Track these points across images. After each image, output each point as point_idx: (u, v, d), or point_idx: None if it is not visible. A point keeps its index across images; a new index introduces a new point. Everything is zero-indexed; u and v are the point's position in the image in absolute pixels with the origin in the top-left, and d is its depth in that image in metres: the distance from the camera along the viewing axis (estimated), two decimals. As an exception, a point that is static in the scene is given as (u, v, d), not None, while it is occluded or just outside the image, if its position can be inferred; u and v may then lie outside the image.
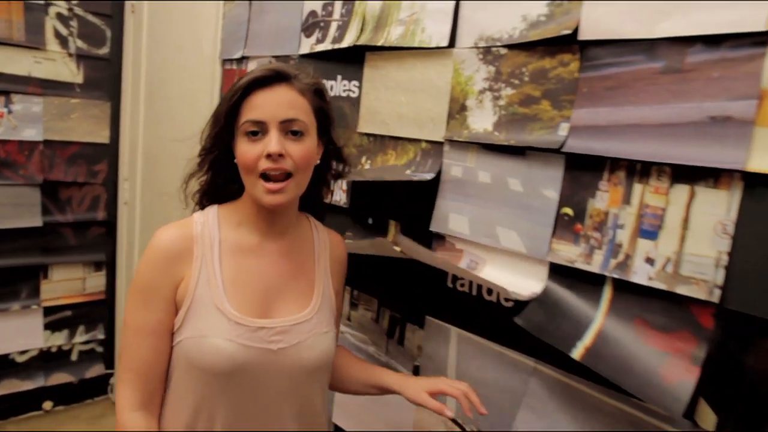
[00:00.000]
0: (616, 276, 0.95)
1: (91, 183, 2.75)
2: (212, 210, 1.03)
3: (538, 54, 1.06)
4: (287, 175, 0.93)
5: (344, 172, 1.13)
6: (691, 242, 0.87)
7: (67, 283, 2.76)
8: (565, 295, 1.01)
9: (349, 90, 1.45)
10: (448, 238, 1.22)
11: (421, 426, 1.32)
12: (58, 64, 2.54)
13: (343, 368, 1.16)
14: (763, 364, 0.81)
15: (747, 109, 0.80)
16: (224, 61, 1.97)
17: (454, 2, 1.19)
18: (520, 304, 1.07)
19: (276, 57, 1.68)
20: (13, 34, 2.38)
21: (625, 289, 0.94)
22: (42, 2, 2.43)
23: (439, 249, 1.24)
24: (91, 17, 2.61)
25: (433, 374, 1.28)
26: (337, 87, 1.49)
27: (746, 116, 0.80)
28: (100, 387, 2.97)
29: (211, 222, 1.00)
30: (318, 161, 1.03)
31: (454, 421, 1.23)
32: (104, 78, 2.71)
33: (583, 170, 0.99)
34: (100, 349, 2.94)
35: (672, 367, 0.86)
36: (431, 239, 1.25)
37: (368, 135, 1.40)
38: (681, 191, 0.88)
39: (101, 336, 2.92)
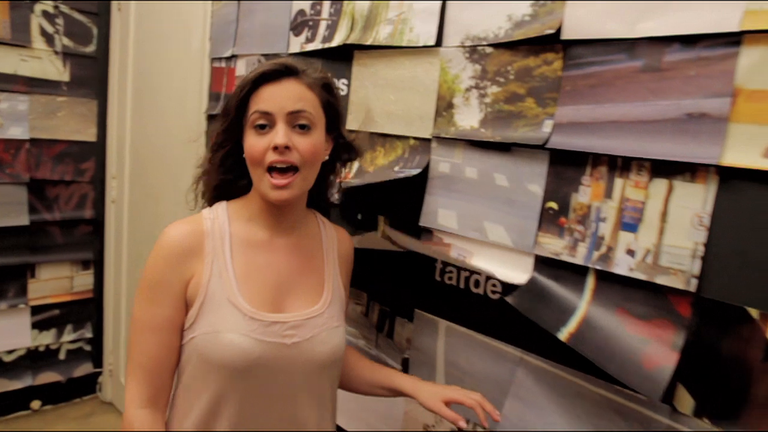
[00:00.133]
0: (599, 267, 0.98)
1: (78, 181, 2.74)
2: (221, 206, 1.03)
3: (522, 53, 1.09)
4: (294, 170, 0.94)
5: (354, 159, 1.14)
6: (670, 234, 0.90)
7: (55, 281, 2.76)
8: (551, 285, 1.05)
9: (338, 88, 1.47)
10: (437, 232, 1.25)
11: (411, 418, 1.35)
12: (44, 62, 2.53)
13: (351, 367, 1.16)
14: (737, 350, 0.85)
15: (721, 107, 0.84)
16: (212, 60, 1.98)
17: (441, 2, 1.21)
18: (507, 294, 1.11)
19: (265, 56, 1.70)
20: (-2, 32, 2.38)
21: (607, 280, 0.98)
22: (28, 0, 2.43)
23: (428, 243, 1.26)
24: (77, 15, 2.60)
25: (422, 366, 1.31)
26: (326, 85, 1.51)
27: (721, 113, 0.84)
28: (88, 386, 2.96)
29: (221, 218, 1.00)
30: (326, 157, 1.04)
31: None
32: (91, 76, 2.71)
33: (567, 166, 1.03)
34: (88, 347, 2.93)
35: (652, 353, 0.90)
36: (420, 234, 1.28)
37: (357, 132, 1.42)
38: (660, 185, 0.91)
39: (89, 335, 2.92)
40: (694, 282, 0.88)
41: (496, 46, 1.13)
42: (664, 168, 0.91)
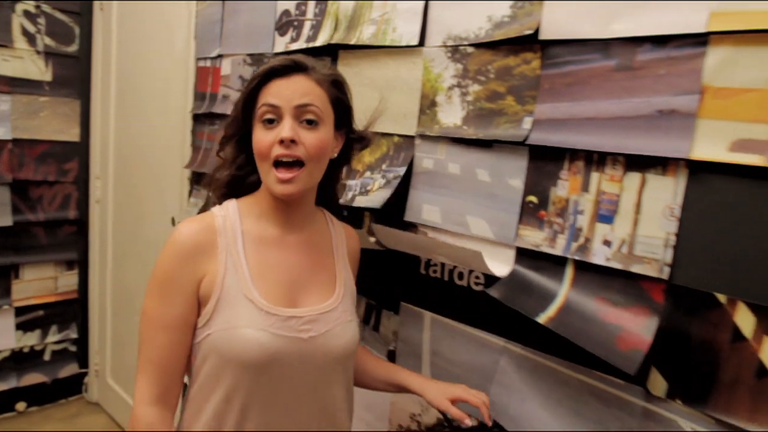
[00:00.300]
0: (577, 258, 1.03)
1: (61, 181, 2.74)
2: (231, 204, 1.02)
3: (502, 52, 1.13)
4: (299, 164, 0.94)
5: (367, 146, 1.13)
6: (643, 225, 0.95)
7: (39, 282, 2.75)
8: (532, 275, 1.09)
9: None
10: (421, 227, 1.28)
11: (397, 408, 1.39)
12: (26, 62, 2.53)
13: (359, 362, 1.17)
14: (708, 334, 0.90)
15: (690, 103, 0.89)
16: (198, 59, 2.00)
17: (424, 3, 1.25)
18: (490, 287, 1.15)
19: (250, 55, 1.72)
20: (-21, 32, 2.37)
21: (585, 269, 1.02)
22: (9, 0, 2.42)
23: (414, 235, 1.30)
24: (59, 15, 2.60)
25: (408, 358, 1.34)
26: (312, 84, 1.54)
27: (689, 110, 0.89)
28: (74, 386, 2.96)
29: (232, 215, 1.00)
30: (335, 155, 1.04)
31: (445, 417, 1.29)
32: (73, 76, 2.70)
33: (546, 161, 1.07)
34: (73, 348, 2.93)
35: (626, 336, 0.94)
36: (405, 229, 1.32)
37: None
38: (633, 179, 0.96)
39: (74, 335, 2.92)
40: (667, 270, 0.92)
41: (477, 45, 1.16)
42: (637, 162, 0.95)
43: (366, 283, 1.45)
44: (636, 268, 0.95)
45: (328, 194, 1.14)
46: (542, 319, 1.01)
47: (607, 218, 0.99)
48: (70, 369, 2.93)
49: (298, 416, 0.97)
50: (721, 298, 0.88)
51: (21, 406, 2.75)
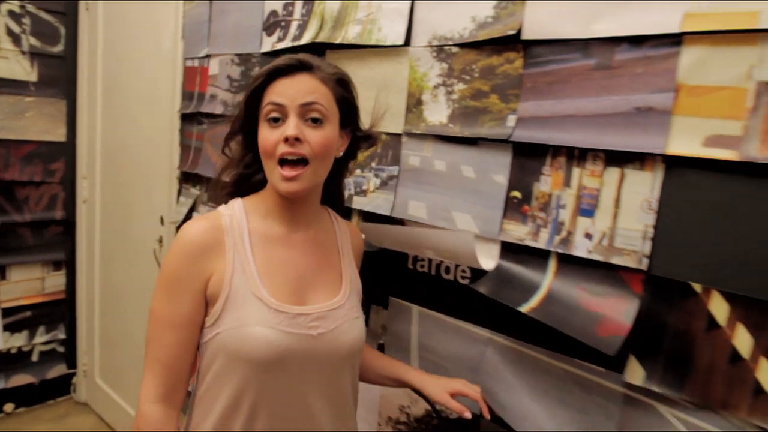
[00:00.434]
0: (560, 250, 1.06)
1: (48, 182, 2.73)
2: (237, 202, 1.03)
3: (486, 52, 1.16)
4: (304, 162, 0.94)
5: (374, 144, 1.14)
6: (623, 218, 0.99)
7: (26, 283, 2.74)
8: (516, 268, 1.12)
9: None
10: (408, 223, 1.31)
11: (387, 400, 1.41)
12: (11, 62, 2.52)
13: (362, 358, 1.16)
14: (684, 323, 0.93)
15: (665, 101, 0.92)
16: (185, 59, 2.01)
17: (410, 3, 1.28)
18: (476, 281, 1.18)
19: (238, 55, 1.74)
20: (-37, 32, 2.36)
21: (567, 262, 1.06)
22: (-7, 0, 2.42)
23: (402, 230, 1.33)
24: (44, 15, 2.59)
25: (397, 351, 1.37)
26: (300, 83, 1.56)
27: (665, 107, 0.93)
28: (62, 387, 2.96)
29: (239, 213, 1.00)
30: (341, 154, 1.04)
31: (433, 408, 1.32)
32: (59, 76, 2.70)
33: (529, 157, 1.10)
34: (61, 349, 2.93)
35: (606, 323, 0.98)
36: (393, 224, 1.34)
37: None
38: (613, 174, 1.00)
39: (62, 336, 2.91)
40: (645, 261, 0.96)
41: (462, 45, 1.19)
42: (616, 157, 0.99)
43: (355, 279, 1.48)
44: (616, 260, 0.99)
45: (333, 193, 1.15)
46: (525, 309, 1.05)
47: (588, 212, 1.03)
48: (58, 369, 2.92)
49: (307, 412, 0.98)
50: (697, 287, 0.92)
51: (9, 407, 2.75)
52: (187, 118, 2.03)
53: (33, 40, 2.57)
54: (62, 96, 2.72)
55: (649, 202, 0.96)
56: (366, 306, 1.45)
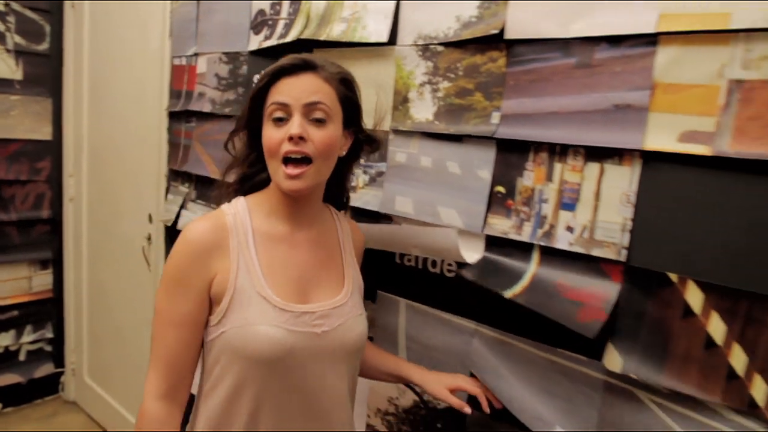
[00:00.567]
0: (542, 243, 1.09)
1: (34, 180, 2.73)
2: (240, 201, 1.03)
3: (470, 51, 1.19)
4: (308, 161, 0.95)
5: (376, 150, 1.16)
6: (603, 211, 1.02)
7: (13, 282, 2.74)
8: (501, 260, 1.15)
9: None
10: (395, 218, 1.34)
11: (375, 392, 1.44)
12: (-5, 61, 2.52)
13: (363, 354, 1.18)
14: (661, 311, 0.97)
15: (642, 98, 0.96)
16: (173, 57, 2.02)
17: (394, 3, 1.30)
18: (462, 275, 1.22)
19: (226, 53, 1.76)
20: (-52, 30, 2.35)
21: (550, 254, 1.09)
22: (-22, -2, 2.41)
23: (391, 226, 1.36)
24: (29, 13, 2.59)
25: (385, 343, 1.40)
26: (287, 82, 1.58)
27: (642, 104, 0.96)
28: (50, 386, 2.96)
29: (242, 212, 1.01)
30: (344, 153, 1.05)
31: (421, 399, 1.35)
32: (45, 74, 2.70)
33: (512, 153, 1.14)
34: (48, 348, 2.93)
35: (587, 310, 1.02)
36: (379, 220, 1.37)
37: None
38: (593, 168, 1.03)
39: (50, 335, 2.91)
40: (624, 252, 1.00)
41: (446, 44, 1.22)
42: (596, 153, 1.02)
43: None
44: (596, 252, 1.03)
45: (336, 192, 1.16)
46: (509, 294, 1.08)
47: (570, 206, 1.06)
48: (46, 369, 2.92)
49: (309, 407, 1.00)
50: (673, 277, 0.95)
51: (-3, 407, 2.75)
52: (175, 116, 2.04)
53: (18, 39, 2.56)
54: (48, 94, 2.72)
55: (627, 196, 0.99)
56: (355, 300, 1.48)
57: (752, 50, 0.86)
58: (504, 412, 1.16)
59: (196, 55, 1.89)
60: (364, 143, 1.10)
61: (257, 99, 1.00)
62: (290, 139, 0.93)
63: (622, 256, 1.00)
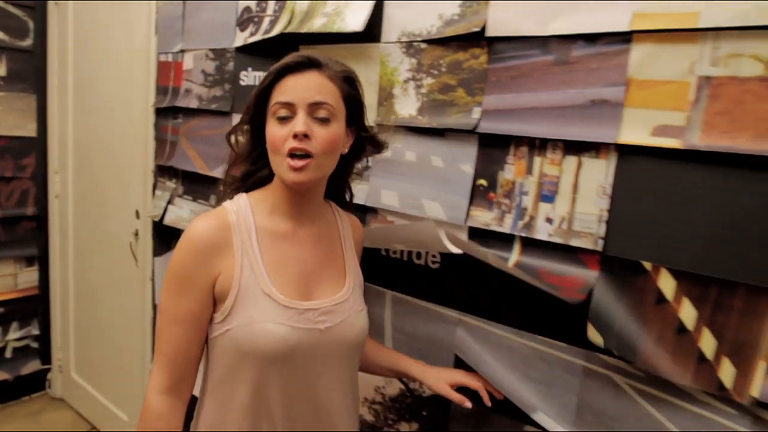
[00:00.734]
0: (523, 234, 1.13)
1: (19, 177, 2.72)
2: (242, 198, 1.04)
3: (453, 48, 1.22)
4: (311, 157, 0.95)
5: (380, 151, 1.16)
6: (580, 203, 1.06)
7: (-2, 279, 2.74)
8: (483, 250, 1.19)
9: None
10: (381, 211, 1.37)
11: (363, 382, 1.46)
12: (-22, 57, 2.51)
13: (364, 349, 1.19)
14: (636, 298, 1.01)
15: (617, 94, 1.00)
16: (159, 54, 2.03)
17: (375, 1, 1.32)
18: (446, 266, 1.26)
19: (213, 50, 1.77)
20: (-70, 26, 2.33)
21: (530, 245, 1.13)
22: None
23: (373, 221, 1.39)
24: (12, 9, 2.57)
25: (371, 334, 1.43)
26: (274, 78, 1.61)
27: (617, 100, 1.00)
28: (37, 383, 2.96)
29: (244, 210, 1.01)
30: (346, 150, 1.05)
31: (407, 387, 1.39)
32: (28, 70, 2.68)
33: (494, 147, 1.17)
34: (35, 345, 2.92)
35: (565, 292, 1.06)
36: (365, 213, 1.40)
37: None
38: (571, 162, 1.07)
39: (36, 332, 2.91)
40: (601, 242, 1.04)
41: (430, 42, 1.26)
42: (573, 147, 1.06)
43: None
44: (575, 242, 1.07)
45: (338, 189, 1.17)
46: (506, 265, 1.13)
47: (549, 198, 1.10)
48: (33, 365, 2.92)
49: (313, 402, 1.01)
50: (647, 265, 1.00)
51: (-17, 404, 2.74)
52: (161, 113, 2.05)
53: (1, 35, 2.55)
54: (32, 91, 2.71)
55: (603, 188, 1.03)
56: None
57: (720, 48, 0.90)
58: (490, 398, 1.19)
59: (182, 51, 1.90)
60: (367, 143, 1.11)
61: (261, 96, 1.00)
62: (295, 136, 0.94)
63: (599, 246, 1.04)
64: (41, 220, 2.84)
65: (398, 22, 1.31)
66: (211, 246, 0.96)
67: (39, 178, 2.79)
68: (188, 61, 1.88)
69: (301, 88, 0.96)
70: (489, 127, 1.16)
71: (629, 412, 1.04)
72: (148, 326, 2.30)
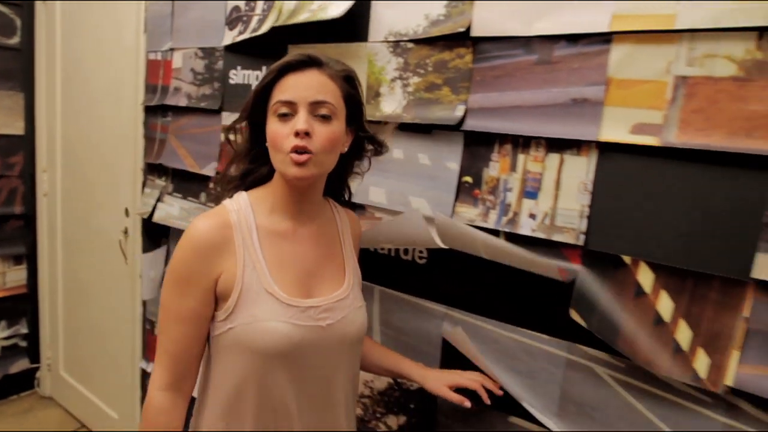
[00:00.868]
0: (507, 230, 1.16)
1: (6, 176, 2.71)
2: (242, 197, 1.04)
3: (439, 48, 1.25)
4: (311, 153, 0.95)
5: (381, 152, 1.16)
6: (563, 199, 1.09)
7: (-14, 278, 2.73)
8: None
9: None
10: (369, 208, 1.39)
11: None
12: (-34, 55, 2.50)
13: (364, 348, 1.21)
14: (616, 291, 1.04)
15: (598, 93, 1.03)
16: (148, 52, 2.04)
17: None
18: (432, 261, 1.29)
19: (202, 49, 1.79)
20: None
21: (514, 240, 1.16)
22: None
23: (361, 218, 1.41)
24: (-1, 6, 2.57)
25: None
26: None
27: (598, 98, 1.03)
28: (25, 382, 2.95)
29: (245, 209, 1.02)
30: (345, 149, 1.05)
31: (395, 381, 1.40)
32: (16, 68, 2.67)
33: (479, 145, 1.20)
34: (23, 343, 2.91)
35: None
36: (354, 210, 1.42)
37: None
38: (553, 159, 1.10)
39: (24, 330, 2.90)
40: (582, 237, 1.07)
41: (416, 41, 1.28)
42: (556, 144, 1.09)
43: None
44: (557, 237, 1.10)
45: (337, 187, 1.18)
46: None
47: (532, 194, 1.13)
48: (21, 364, 2.92)
49: (315, 397, 1.03)
50: (627, 259, 1.03)
51: (-29, 403, 2.74)
52: (151, 111, 2.06)
53: (-12, 33, 2.55)
54: (20, 88, 2.70)
55: (585, 184, 1.06)
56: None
57: (695, 49, 0.94)
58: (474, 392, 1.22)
59: (171, 50, 1.92)
60: (366, 142, 1.12)
61: (262, 94, 1.01)
62: (296, 134, 0.94)
63: (581, 241, 1.07)
64: (29, 219, 2.83)
65: (386, 21, 1.33)
66: (213, 245, 0.96)
67: (27, 176, 2.78)
68: (177, 60, 1.89)
69: (302, 86, 0.96)
70: (474, 125, 1.19)
71: (610, 401, 1.08)
72: (137, 324, 2.31)
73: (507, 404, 1.19)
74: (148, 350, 2.27)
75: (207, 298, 0.97)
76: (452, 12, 1.22)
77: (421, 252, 1.34)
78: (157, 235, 2.10)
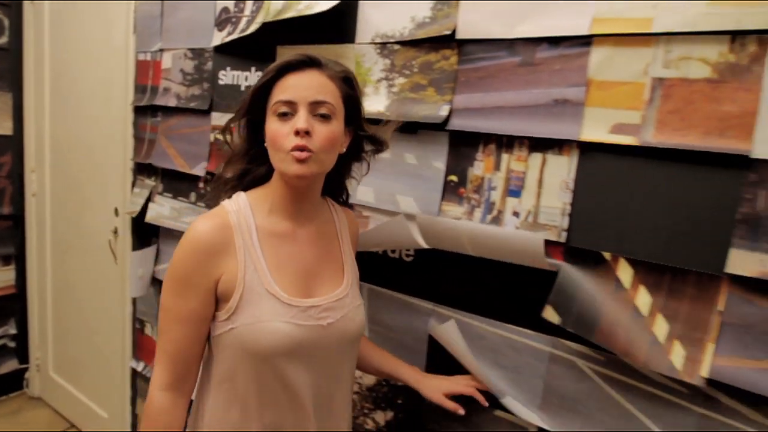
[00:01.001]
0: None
1: (-6, 176, 2.71)
2: (241, 197, 1.04)
3: (424, 50, 1.27)
4: (310, 152, 0.96)
5: (382, 150, 1.16)
6: (545, 197, 1.12)
7: (-26, 278, 2.72)
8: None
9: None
10: (357, 206, 1.42)
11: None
12: (-47, 55, 2.49)
13: (361, 349, 1.23)
14: (596, 286, 1.07)
15: (579, 94, 1.06)
16: (137, 53, 2.05)
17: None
18: (419, 259, 1.31)
19: (191, 50, 1.80)
20: None
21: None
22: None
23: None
24: (-13, 7, 2.57)
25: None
26: (252, 78, 1.64)
27: (578, 99, 1.06)
28: (14, 382, 2.95)
29: (244, 209, 1.02)
30: (344, 149, 1.06)
31: (385, 380, 1.43)
32: (4, 68, 2.67)
33: (464, 145, 1.23)
34: (12, 344, 2.91)
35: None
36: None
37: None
38: (536, 158, 1.13)
39: (13, 331, 2.89)
40: (564, 234, 1.10)
41: (402, 43, 1.30)
42: (539, 144, 1.12)
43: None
44: (540, 234, 1.12)
45: (335, 187, 1.19)
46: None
47: (516, 192, 1.16)
48: (10, 365, 2.91)
49: (316, 396, 1.04)
50: (607, 255, 1.06)
51: (-40, 403, 2.73)
52: (140, 111, 2.07)
53: (-24, 33, 2.54)
54: (8, 89, 2.70)
55: (566, 183, 1.09)
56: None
57: (671, 51, 0.97)
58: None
59: (161, 50, 1.93)
60: (365, 142, 1.13)
61: (260, 93, 1.01)
62: (297, 133, 0.94)
63: (562, 238, 1.10)
64: (18, 219, 2.83)
65: (373, 23, 1.36)
66: (213, 247, 0.97)
67: (15, 176, 2.78)
68: (167, 60, 1.90)
69: (302, 86, 0.97)
70: (459, 124, 1.21)
71: (592, 394, 1.11)
72: (127, 323, 2.31)
73: (492, 398, 1.21)
74: (138, 350, 2.28)
75: (207, 298, 0.98)
76: (438, 15, 1.24)
77: (408, 250, 1.37)
78: (147, 235, 2.11)
